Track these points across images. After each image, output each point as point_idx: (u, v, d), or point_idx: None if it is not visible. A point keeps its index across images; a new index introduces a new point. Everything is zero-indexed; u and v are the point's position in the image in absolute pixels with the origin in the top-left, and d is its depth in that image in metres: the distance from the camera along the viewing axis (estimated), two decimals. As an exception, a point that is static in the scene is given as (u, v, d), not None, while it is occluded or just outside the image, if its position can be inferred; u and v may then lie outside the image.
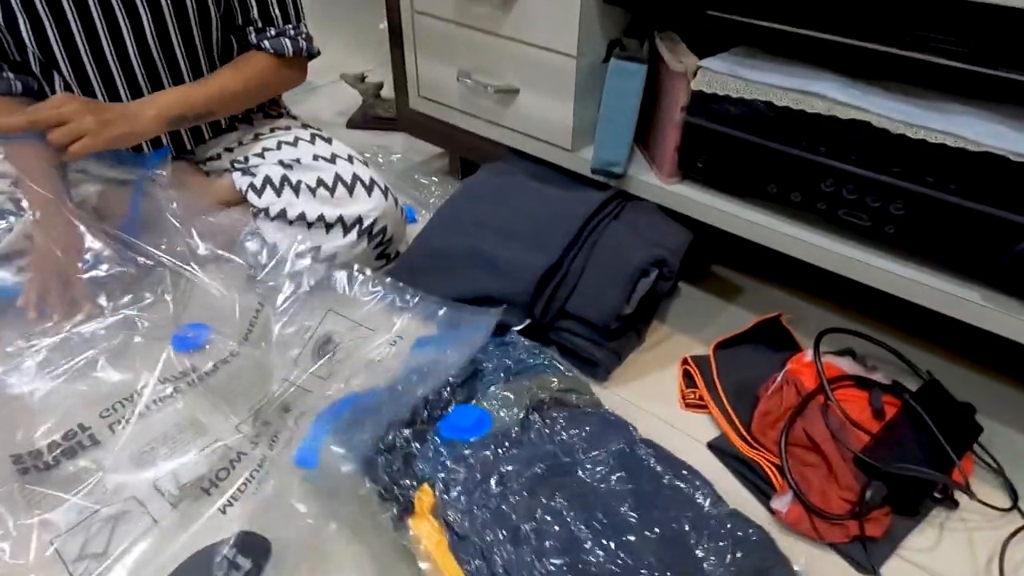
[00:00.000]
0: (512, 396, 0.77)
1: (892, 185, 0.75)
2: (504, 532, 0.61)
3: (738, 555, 0.63)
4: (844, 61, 0.82)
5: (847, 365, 0.85)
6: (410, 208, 1.22)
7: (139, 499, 0.73)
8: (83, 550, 0.69)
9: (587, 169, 1.00)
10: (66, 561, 0.67)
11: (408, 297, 0.93)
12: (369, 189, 1.02)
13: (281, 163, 1.03)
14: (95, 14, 0.93)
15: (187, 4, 0.97)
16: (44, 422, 0.80)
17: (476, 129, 1.14)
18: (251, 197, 1.00)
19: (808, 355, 0.84)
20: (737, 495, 0.76)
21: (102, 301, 0.92)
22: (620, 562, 0.59)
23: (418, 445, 0.70)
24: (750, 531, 0.66)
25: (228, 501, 0.72)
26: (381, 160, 1.40)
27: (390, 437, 0.70)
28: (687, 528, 0.65)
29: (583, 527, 0.62)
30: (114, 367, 0.87)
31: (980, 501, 0.73)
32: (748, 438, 0.79)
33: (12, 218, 0.97)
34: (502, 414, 0.75)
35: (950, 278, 0.76)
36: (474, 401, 0.78)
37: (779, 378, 0.82)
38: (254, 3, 1.02)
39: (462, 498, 0.64)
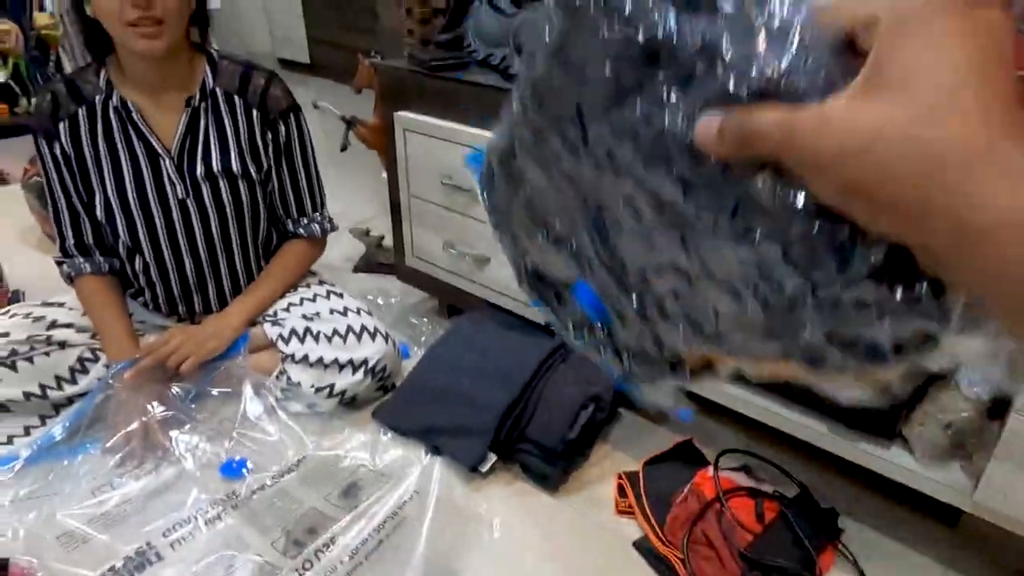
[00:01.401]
0: None
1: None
2: None
3: None
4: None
5: (741, 479, 1.09)
6: (404, 345, 1.49)
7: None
8: None
9: (543, 319, 1.28)
10: None
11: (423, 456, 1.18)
12: (373, 336, 1.30)
13: (304, 316, 1.31)
14: (175, 216, 1.24)
15: (244, 209, 1.28)
16: (119, 541, 1.03)
17: (458, 284, 1.43)
18: (280, 345, 1.27)
19: (710, 471, 1.09)
20: (652, 584, 0.99)
21: (168, 441, 1.17)
22: None
23: None
24: None
25: None
26: (381, 302, 1.68)
27: None
28: None
29: None
30: (175, 492, 1.11)
31: (832, 586, 0.96)
32: (663, 538, 1.03)
33: (92, 368, 1.25)
34: None
35: (808, 414, 1.02)
36: None
37: (686, 490, 1.07)
38: (292, 202, 1.34)
39: None
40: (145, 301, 1.37)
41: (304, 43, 4.18)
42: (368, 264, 1.86)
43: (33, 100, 3.22)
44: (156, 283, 1.31)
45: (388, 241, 1.87)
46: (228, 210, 1.26)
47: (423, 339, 1.54)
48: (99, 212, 1.23)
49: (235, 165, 1.24)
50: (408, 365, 1.37)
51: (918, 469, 0.92)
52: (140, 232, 1.24)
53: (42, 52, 3.26)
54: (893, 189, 0.20)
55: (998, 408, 0.87)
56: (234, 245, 1.31)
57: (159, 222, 1.24)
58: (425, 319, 1.62)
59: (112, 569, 0.99)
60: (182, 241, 1.27)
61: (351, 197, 2.22)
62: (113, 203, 1.22)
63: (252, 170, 1.26)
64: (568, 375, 1.20)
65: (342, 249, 1.98)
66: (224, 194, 1.25)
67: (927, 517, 1.10)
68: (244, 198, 1.27)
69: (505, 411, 1.15)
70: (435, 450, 1.20)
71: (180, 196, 1.23)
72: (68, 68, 3.33)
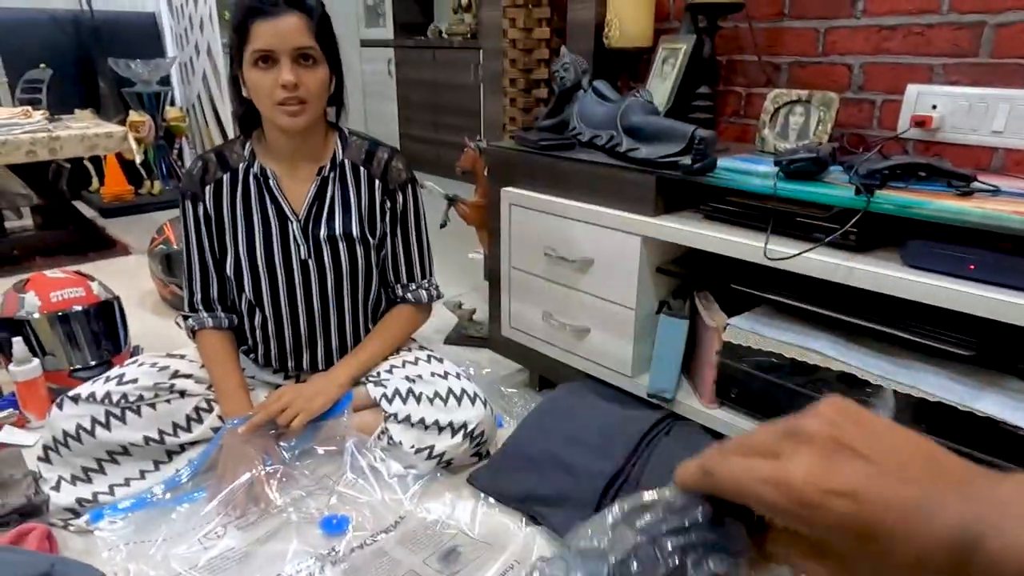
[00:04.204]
0: None
1: (878, 421, 0.99)
2: None
3: None
4: (844, 327, 1.10)
5: None
6: (499, 416, 1.50)
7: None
8: None
9: (643, 392, 1.27)
10: None
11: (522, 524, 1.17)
12: (473, 400, 1.31)
13: (407, 378, 1.34)
14: (296, 273, 1.32)
15: (359, 271, 1.36)
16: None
17: (555, 356, 1.44)
18: (383, 404, 1.30)
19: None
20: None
21: (272, 494, 1.20)
22: None
23: None
24: None
25: None
26: (472, 372, 1.71)
27: None
28: None
29: None
30: (277, 543, 1.12)
31: None
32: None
33: (206, 418, 1.30)
34: None
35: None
36: None
37: None
38: (403, 269, 1.41)
39: None
40: (257, 357, 1.44)
41: (396, 138, 4.49)
42: (459, 336, 1.91)
43: (156, 182, 3.54)
44: (271, 339, 1.38)
45: (479, 315, 1.92)
46: (344, 271, 1.34)
47: (515, 410, 1.55)
48: (229, 268, 1.32)
49: (355, 229, 1.33)
50: (502, 435, 1.37)
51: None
52: (264, 289, 1.32)
53: (168, 141, 3.60)
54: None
55: None
56: (346, 305, 1.38)
57: (281, 280, 1.32)
58: (516, 391, 1.62)
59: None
60: (300, 299, 1.34)
61: (442, 273, 2.30)
62: (243, 260, 1.31)
63: (370, 235, 1.34)
64: (673, 447, 1.17)
65: (434, 322, 2.04)
66: (343, 256, 1.33)
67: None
68: (360, 261, 1.35)
69: (608, 481, 1.13)
70: (533, 519, 1.18)
71: (303, 256, 1.32)
72: (188, 156, 3.66)
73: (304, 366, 1.42)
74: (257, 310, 1.36)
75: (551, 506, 1.16)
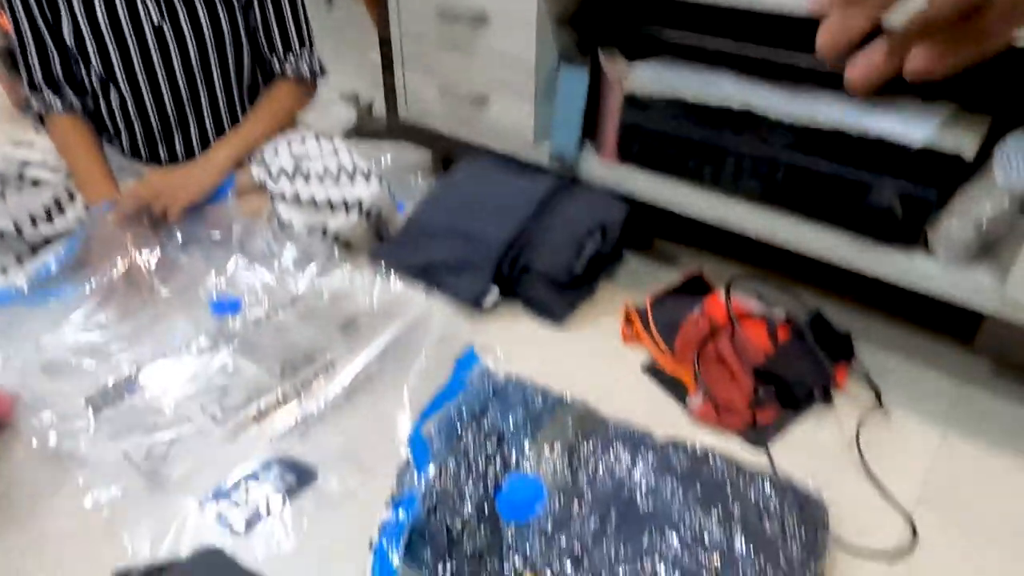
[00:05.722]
0: (548, 451, 0.76)
1: (775, 158, 0.97)
2: None
3: (798, 512, 0.70)
4: (744, 66, 1.05)
5: (753, 305, 1.06)
6: (400, 201, 1.43)
7: (190, 418, 0.92)
8: (148, 454, 0.87)
9: (546, 159, 1.22)
10: (135, 462, 0.85)
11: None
12: (367, 177, 1.23)
13: (293, 156, 1.23)
14: (150, 40, 1.15)
15: (225, 38, 1.19)
16: (108, 368, 0.99)
17: (454, 132, 1.36)
18: (269, 184, 1.20)
19: (721, 296, 1.05)
20: (664, 400, 0.96)
21: (155, 282, 1.11)
22: (732, 569, 0.64)
23: (492, 539, 0.67)
24: (790, 490, 0.73)
25: (276, 433, 0.89)
26: (374, 164, 1.61)
27: (464, 542, 0.67)
28: (751, 513, 0.70)
29: (686, 556, 0.64)
30: (163, 328, 1.06)
31: (846, 395, 0.94)
32: (672, 359, 1.00)
33: (69, 209, 1.18)
34: (549, 474, 0.74)
35: (823, 229, 0.98)
36: (516, 469, 0.75)
37: (697, 312, 1.03)
38: (277, 36, 1.25)
39: None
40: (122, 146, 1.29)
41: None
42: (359, 130, 1.78)
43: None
44: (135, 121, 1.23)
45: (378, 109, 1.78)
46: (207, 38, 1.17)
47: (418, 196, 1.48)
48: (67, 36, 1.13)
49: (212, -14, 1.15)
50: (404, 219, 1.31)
51: (942, 274, 0.88)
52: (114, 59, 1.15)
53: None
54: None
55: (1031, 203, 0.83)
56: (216, 80, 1.22)
57: (133, 49, 1.15)
58: (419, 177, 1.55)
59: (100, 393, 0.95)
60: (160, 72, 1.18)
61: (341, 70, 2.11)
62: (82, 24, 1.12)
63: (232, -7, 1.17)
64: (574, 208, 1.14)
65: (332, 119, 1.90)
66: (202, 18, 1.16)
67: (942, 336, 1.07)
68: (224, 26, 1.18)
69: (508, 243, 1.10)
70: (435, 287, 1.16)
71: (155, 22, 1.14)
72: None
73: (178, 154, 1.29)
74: (112, 87, 1.19)
75: (451, 273, 1.13)
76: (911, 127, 0.87)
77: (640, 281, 1.22)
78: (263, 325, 1.08)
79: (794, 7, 0.87)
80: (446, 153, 1.50)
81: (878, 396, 0.95)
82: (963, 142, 0.84)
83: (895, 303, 1.13)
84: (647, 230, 1.31)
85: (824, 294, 1.16)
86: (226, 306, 1.11)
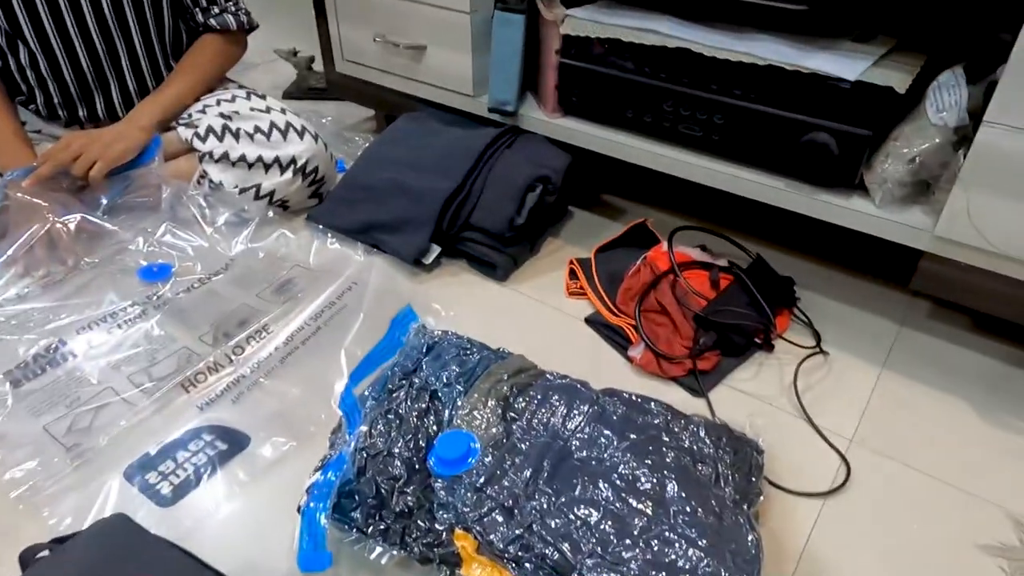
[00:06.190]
0: (481, 406, 0.74)
1: (713, 100, 0.95)
2: (561, 539, 0.61)
3: (732, 456, 0.70)
4: (683, 6, 1.02)
5: (695, 254, 1.05)
6: (340, 161, 1.38)
7: (116, 390, 0.88)
8: (71, 427, 0.83)
9: (485, 111, 1.18)
10: (56, 436, 0.81)
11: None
12: (301, 134, 1.18)
13: (221, 115, 1.18)
14: None
15: None
16: (28, 340, 0.94)
17: (393, 85, 1.31)
18: (196, 143, 1.15)
19: (664, 246, 1.04)
20: (606, 351, 0.95)
21: (78, 248, 1.06)
22: (663, 514, 0.63)
23: (423, 497, 0.66)
24: (725, 435, 0.73)
25: (206, 400, 0.85)
26: (314, 123, 1.55)
27: (394, 500, 0.66)
28: (684, 458, 0.69)
29: (618, 503, 0.64)
30: (88, 294, 1.01)
31: (785, 340, 0.94)
32: (614, 310, 0.99)
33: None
34: (482, 428, 0.72)
35: (761, 173, 0.97)
36: (449, 425, 0.73)
37: (639, 262, 1.02)
38: None
39: (501, 528, 0.62)
40: (38, 107, 1.22)
41: None
42: (299, 89, 1.71)
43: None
44: (48, 81, 1.16)
45: (318, 64, 1.72)
46: (121, -14, 1.10)
47: (358, 153, 1.43)
48: (-36, -12, 1.05)
49: (122, -70, 1.07)
50: (344, 176, 1.26)
51: (879, 214, 0.88)
52: (18, 11, 1.07)
53: None
54: None
55: (964, 140, 0.82)
56: (134, 36, 1.15)
57: (40, 1, 1.07)
58: (361, 137, 1.50)
59: (20, 366, 0.91)
60: (71, 26, 1.11)
61: (278, 24, 2.02)
62: (-23, -27, 1.04)
63: (143, -63, 1.09)
64: (514, 160, 1.11)
65: (270, 76, 1.82)
66: (113, -33, 1.08)
67: (879, 281, 1.08)
68: (139, -25, 1.11)
69: (447, 198, 1.07)
70: (374, 247, 1.13)
71: (60, -30, 1.06)
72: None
73: (100, 115, 1.22)
74: (20, 44, 1.12)
75: (391, 231, 1.10)
76: (845, 64, 0.85)
77: (585, 235, 1.20)
78: (194, 291, 1.04)
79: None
80: (389, 110, 1.45)
81: (818, 341, 0.96)
82: (895, 77, 0.83)
83: (836, 250, 1.13)
84: (592, 184, 1.29)
85: (767, 244, 1.16)
86: (155, 272, 1.06)
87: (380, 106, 1.47)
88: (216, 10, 1.22)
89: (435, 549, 0.63)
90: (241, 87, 1.30)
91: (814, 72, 0.85)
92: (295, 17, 1.90)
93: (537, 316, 1.02)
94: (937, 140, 0.81)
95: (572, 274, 1.08)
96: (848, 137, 0.86)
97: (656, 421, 0.74)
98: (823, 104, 0.87)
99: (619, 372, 0.92)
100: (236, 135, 1.15)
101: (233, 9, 1.23)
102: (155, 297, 1.02)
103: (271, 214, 1.18)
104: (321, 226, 1.16)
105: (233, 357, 0.92)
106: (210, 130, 1.15)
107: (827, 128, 0.87)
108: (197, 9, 1.21)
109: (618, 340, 0.96)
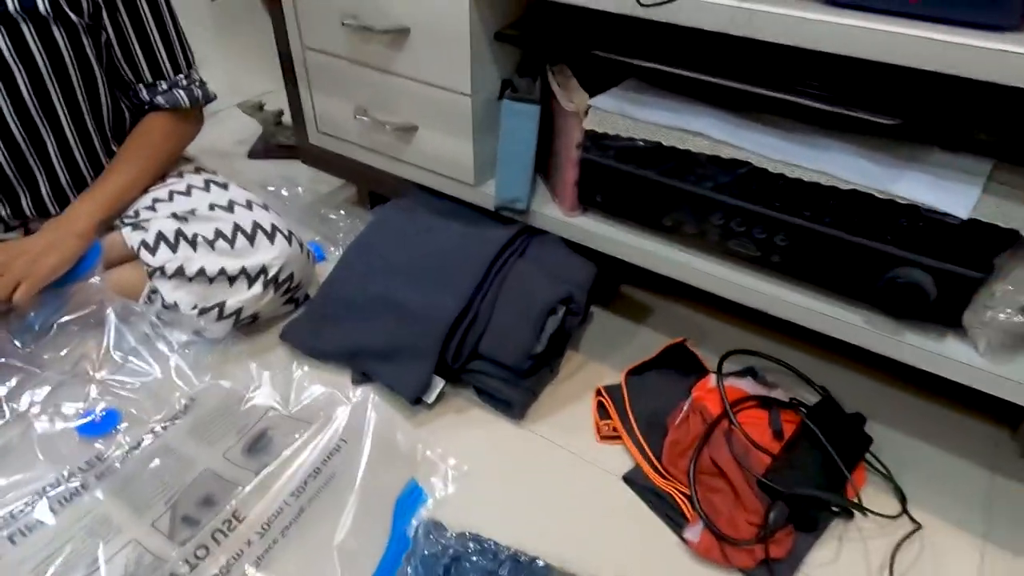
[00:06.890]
0: None
1: (775, 218, 0.79)
2: None
3: None
4: (723, 95, 0.85)
5: (748, 386, 0.89)
6: (317, 246, 1.20)
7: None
8: None
9: (491, 203, 1.00)
10: None
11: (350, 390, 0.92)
12: (271, 236, 0.99)
13: (175, 216, 0.98)
14: None
15: (68, 66, 0.92)
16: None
17: (378, 164, 1.12)
18: (144, 256, 0.95)
19: (712, 380, 0.87)
20: (653, 525, 0.79)
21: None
22: None
23: None
24: None
25: None
26: (286, 193, 1.36)
27: None
28: None
29: None
30: (13, 464, 0.82)
31: (871, 512, 0.78)
32: (660, 469, 0.82)
33: None
34: None
35: (834, 302, 0.81)
36: None
37: (686, 407, 0.85)
38: (142, 59, 0.98)
39: None
40: (-49, 207, 1.01)
41: None
42: (266, 147, 1.51)
43: None
44: (-42, 179, 0.96)
45: (288, 117, 1.52)
46: (42, 67, 0.90)
47: (340, 237, 1.25)
48: None
49: (41, 3, 0.87)
50: (324, 270, 1.08)
51: (983, 366, 0.72)
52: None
53: None
54: None
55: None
56: (63, 119, 0.95)
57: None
58: (342, 212, 1.31)
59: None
60: (-18, 115, 0.90)
61: (239, 67, 1.80)
62: None
63: (70, 9, 0.89)
64: (530, 272, 0.94)
65: (234, 131, 1.62)
66: (32, 44, 0.88)
67: (957, 406, 0.93)
68: (64, 51, 0.91)
69: (452, 323, 0.89)
70: (364, 377, 0.95)
71: (-34, 51, 0.86)
72: None
73: (28, 212, 1.02)
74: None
75: (383, 360, 0.92)
76: (950, 194, 0.69)
77: (609, 346, 1.03)
78: (146, 449, 0.85)
79: (801, 36, 0.67)
80: (372, 185, 1.27)
81: (903, 503, 0.80)
82: (1016, 214, 0.67)
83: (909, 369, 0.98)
84: (613, 277, 1.12)
85: (828, 356, 1.00)
86: (97, 424, 0.87)
87: (363, 182, 1.28)
88: (164, 86, 1.02)
89: None
90: (198, 170, 1.10)
91: (913, 203, 0.69)
92: (263, 54, 1.69)
93: (565, 473, 0.85)
94: (1068, 292, 0.66)
95: (601, 408, 0.92)
96: (951, 278, 0.71)
97: None
98: (921, 238, 0.71)
99: (672, 557, 0.75)
100: (193, 243, 0.96)
101: (184, 83, 1.03)
102: (97, 460, 0.84)
103: (238, 335, 0.99)
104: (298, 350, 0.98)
105: (196, 561, 0.73)
106: (161, 237, 0.96)
107: (923, 265, 0.71)
108: (141, 85, 1.01)
109: (665, 509, 0.80)
